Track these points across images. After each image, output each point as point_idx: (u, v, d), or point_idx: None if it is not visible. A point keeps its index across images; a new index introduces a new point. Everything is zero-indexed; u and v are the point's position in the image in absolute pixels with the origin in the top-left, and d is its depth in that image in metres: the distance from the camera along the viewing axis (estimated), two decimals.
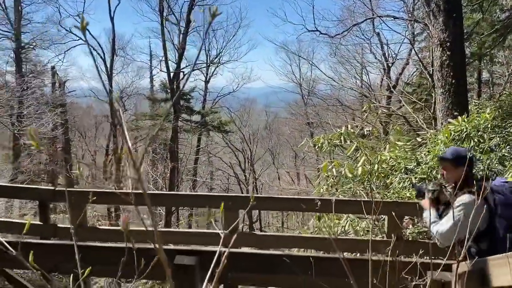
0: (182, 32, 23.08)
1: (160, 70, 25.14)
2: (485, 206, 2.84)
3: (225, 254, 1.14)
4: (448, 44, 7.59)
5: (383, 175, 5.86)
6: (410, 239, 4.53)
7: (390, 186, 5.71)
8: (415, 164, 5.88)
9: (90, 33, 23.36)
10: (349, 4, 20.15)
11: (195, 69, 24.10)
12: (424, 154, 6.10)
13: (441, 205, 3.16)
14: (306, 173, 28.04)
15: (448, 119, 6.64)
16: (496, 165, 5.35)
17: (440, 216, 3.15)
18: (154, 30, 25.13)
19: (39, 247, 3.15)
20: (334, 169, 5.16)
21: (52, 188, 5.06)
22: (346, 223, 4.77)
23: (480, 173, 4.92)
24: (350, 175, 4.89)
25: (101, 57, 23.90)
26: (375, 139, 7.20)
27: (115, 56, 24.31)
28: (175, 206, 16.36)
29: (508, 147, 5.30)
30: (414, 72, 19.24)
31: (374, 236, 4.42)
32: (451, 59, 7.59)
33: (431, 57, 8.85)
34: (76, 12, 23.06)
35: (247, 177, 28.44)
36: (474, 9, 11.61)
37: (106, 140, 26.75)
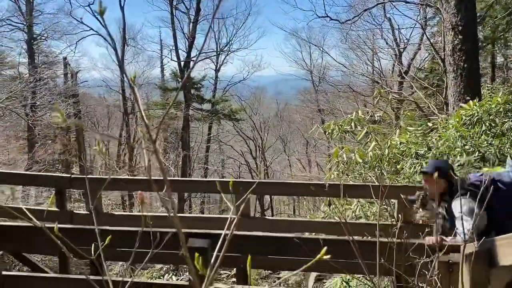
0: (192, 20, 23.05)
1: (171, 59, 25.21)
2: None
3: (230, 234, 1.19)
4: (460, 28, 7.50)
5: (394, 160, 5.87)
6: (420, 222, 4.56)
7: (401, 172, 5.72)
8: (426, 149, 5.87)
9: (101, 23, 23.44)
10: None
11: (205, 58, 24.08)
12: (435, 139, 6.08)
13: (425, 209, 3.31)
14: (317, 160, 28.03)
15: (460, 104, 6.59)
16: (508, 149, 5.33)
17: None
18: (164, 19, 25.10)
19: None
20: (344, 155, 5.19)
21: (69, 175, 5.18)
22: (357, 208, 4.82)
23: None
24: (360, 161, 4.91)
25: (112, 47, 24.02)
26: (386, 125, 7.18)
27: (126, 46, 24.40)
28: (190, 191, 16.54)
29: None
30: (426, 58, 18.97)
31: (384, 220, 4.46)
32: (463, 43, 7.50)
33: (443, 42, 8.75)
34: (87, 2, 23.01)
35: (258, 165, 28.53)
36: None
37: (119, 129, 26.99)
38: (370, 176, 5.75)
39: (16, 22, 20.89)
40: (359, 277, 4.41)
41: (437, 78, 14.60)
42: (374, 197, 3.47)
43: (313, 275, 8.80)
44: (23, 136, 20.45)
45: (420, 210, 3.44)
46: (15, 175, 5.83)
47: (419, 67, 18.99)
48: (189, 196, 20.02)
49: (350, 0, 27.54)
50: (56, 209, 4.99)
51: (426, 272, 2.58)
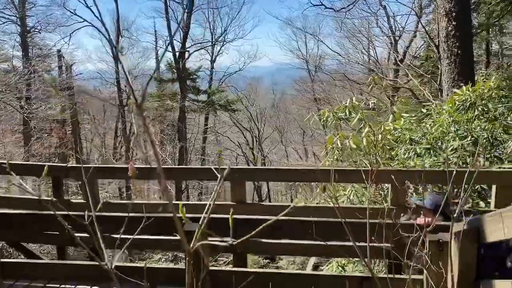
0: (186, 10, 22.93)
1: (166, 50, 25.09)
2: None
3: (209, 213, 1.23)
4: (454, 14, 7.51)
5: (388, 147, 5.92)
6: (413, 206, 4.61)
7: (396, 158, 5.77)
8: (421, 135, 5.92)
9: (94, 14, 23.33)
10: None
11: (201, 48, 23.98)
12: (429, 125, 6.13)
13: None
14: (314, 150, 28.11)
15: (453, 90, 6.63)
16: (501, 134, 5.38)
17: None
18: (158, 9, 24.98)
19: (54, 219, 3.29)
20: (338, 141, 5.23)
21: (65, 164, 5.20)
22: (351, 193, 4.87)
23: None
24: (354, 146, 4.96)
25: (106, 38, 23.88)
26: (382, 113, 7.22)
27: (120, 37, 24.23)
28: (187, 179, 16.58)
29: None
30: (421, 45, 18.98)
31: (378, 205, 4.51)
32: (457, 29, 7.52)
33: (437, 28, 8.77)
34: None
35: (256, 155, 28.60)
36: None
37: (115, 121, 26.93)
38: (365, 163, 5.80)
39: (9, 15, 20.74)
40: (355, 261, 4.49)
41: (432, 65, 14.62)
42: (367, 182, 3.51)
43: (311, 262, 8.89)
44: (19, 129, 20.39)
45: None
46: (11, 165, 5.83)
47: (415, 55, 19.00)
48: (186, 187, 20.09)
49: None
50: (53, 198, 5.02)
51: (418, 251, 2.64)
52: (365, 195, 4.85)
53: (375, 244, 2.72)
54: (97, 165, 5.23)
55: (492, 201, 4.15)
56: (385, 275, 2.41)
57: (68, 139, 23.22)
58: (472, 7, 9.05)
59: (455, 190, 4.77)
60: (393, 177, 3.56)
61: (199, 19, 25.85)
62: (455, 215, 2.54)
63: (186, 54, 22.80)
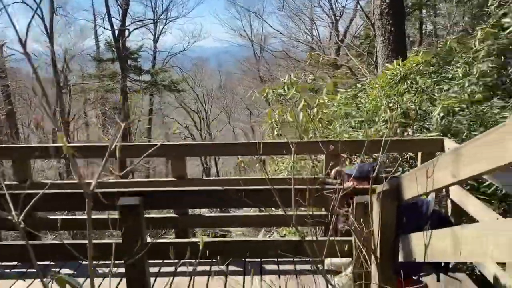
0: None
1: (104, 28, 24.01)
2: None
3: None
4: None
5: (326, 122, 6.12)
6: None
7: (333, 132, 5.98)
8: (356, 109, 6.17)
9: None
10: None
11: (142, 26, 23.18)
12: (364, 99, 6.39)
13: None
14: (261, 129, 28.35)
15: (386, 65, 6.92)
16: (429, 107, 5.71)
17: None
18: None
19: None
20: (277, 116, 5.33)
21: None
22: (289, 164, 5.00)
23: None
24: (291, 120, 5.07)
25: (39, 16, 22.39)
26: (319, 89, 7.41)
27: (54, 15, 22.83)
28: (128, 157, 16.20)
29: (438, 87, 5.66)
30: (361, 25, 19.53)
31: (315, 175, 4.66)
32: (391, 7, 7.81)
33: (372, 7, 9.06)
34: None
35: (203, 137, 28.42)
36: None
37: (53, 105, 25.54)
38: (304, 136, 5.96)
39: None
40: (291, 229, 4.64)
41: (370, 43, 15.11)
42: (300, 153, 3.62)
43: (261, 235, 9.13)
44: None
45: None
46: None
47: (355, 35, 19.53)
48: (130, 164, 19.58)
49: None
50: None
51: (347, 214, 2.79)
52: (303, 166, 5.01)
53: (315, 213, 2.83)
54: (28, 145, 4.99)
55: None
56: (316, 238, 2.52)
57: (2, 125, 21.79)
58: None
59: (386, 158, 5.05)
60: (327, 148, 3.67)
61: None
62: (374, 175, 2.70)
63: (126, 32, 21.93)
